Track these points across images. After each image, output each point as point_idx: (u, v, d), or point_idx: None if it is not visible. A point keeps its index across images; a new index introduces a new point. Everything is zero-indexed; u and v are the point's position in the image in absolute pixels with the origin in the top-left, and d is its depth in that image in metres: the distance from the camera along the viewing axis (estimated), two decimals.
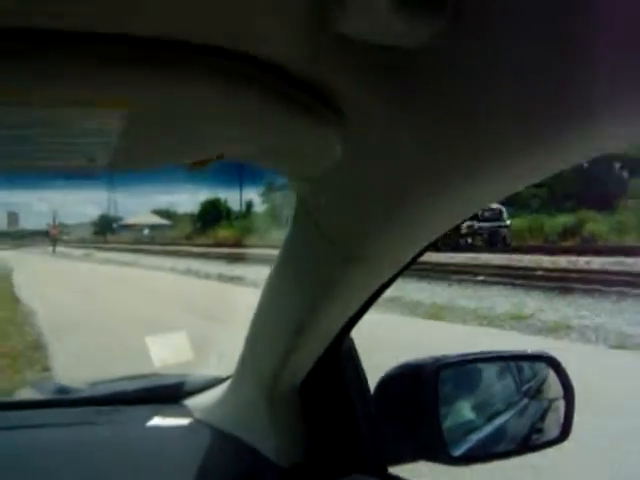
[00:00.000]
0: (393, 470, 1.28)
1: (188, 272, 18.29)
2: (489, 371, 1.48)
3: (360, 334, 1.28)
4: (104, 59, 0.58)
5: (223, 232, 32.30)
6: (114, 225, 52.40)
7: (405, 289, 11.52)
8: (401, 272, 1.04)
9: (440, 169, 0.72)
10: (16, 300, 13.06)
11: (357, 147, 0.76)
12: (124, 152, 0.74)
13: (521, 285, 12.26)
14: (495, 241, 20.50)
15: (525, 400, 1.50)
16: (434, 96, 0.63)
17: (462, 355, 1.39)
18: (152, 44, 0.58)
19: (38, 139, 0.67)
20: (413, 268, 1.08)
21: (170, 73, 0.61)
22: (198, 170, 0.84)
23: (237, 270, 16.79)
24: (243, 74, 0.64)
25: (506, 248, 18.67)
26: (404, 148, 0.71)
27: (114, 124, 0.65)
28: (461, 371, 1.39)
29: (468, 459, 1.31)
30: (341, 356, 1.26)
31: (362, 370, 1.30)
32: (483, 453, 1.37)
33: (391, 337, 7.23)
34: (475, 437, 1.36)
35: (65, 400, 1.77)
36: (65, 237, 45.28)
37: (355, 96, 0.69)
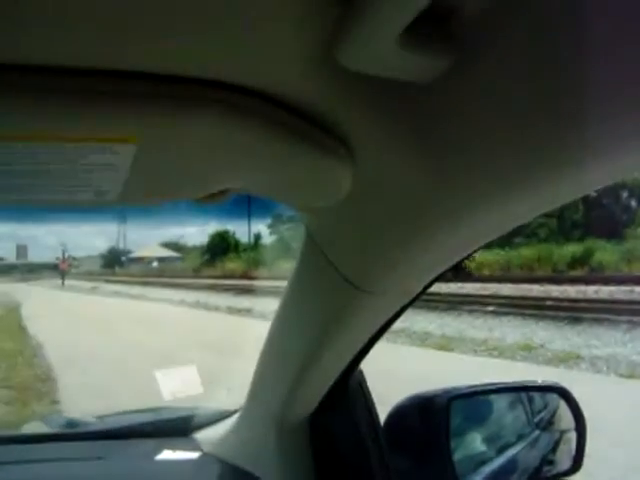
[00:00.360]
0: None
1: (197, 305, 18.28)
2: (500, 402, 1.47)
3: (369, 366, 1.27)
4: (112, 95, 0.58)
5: (231, 264, 32.33)
6: (123, 258, 52.48)
7: (414, 320, 11.49)
8: (410, 303, 1.04)
9: (448, 202, 0.72)
10: (25, 332, 13.08)
11: (365, 179, 0.76)
12: (133, 187, 0.74)
13: (531, 315, 12.21)
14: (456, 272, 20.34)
15: (536, 432, 1.49)
16: (440, 130, 0.64)
17: (473, 386, 1.38)
18: (160, 80, 0.59)
19: (47, 174, 0.68)
20: (422, 298, 1.07)
21: (178, 108, 0.61)
22: (208, 204, 0.85)
23: (245, 302, 16.78)
24: (251, 108, 0.65)
25: (468, 277, 19.14)
26: (411, 181, 0.72)
27: (123, 159, 0.66)
28: (472, 402, 1.38)
29: None
30: (350, 388, 1.25)
31: (372, 402, 1.29)
32: None
33: (400, 369, 7.19)
34: (486, 469, 1.35)
35: (73, 434, 1.76)
36: (74, 270, 45.37)
37: (362, 129, 0.70)
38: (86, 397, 6.59)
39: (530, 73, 0.53)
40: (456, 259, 0.90)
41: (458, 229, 0.77)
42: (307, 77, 0.62)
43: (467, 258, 0.92)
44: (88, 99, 0.58)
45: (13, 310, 18.47)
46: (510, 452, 1.43)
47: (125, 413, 2.02)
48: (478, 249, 0.90)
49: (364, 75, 0.57)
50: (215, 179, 0.78)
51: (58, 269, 39.36)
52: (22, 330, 13.56)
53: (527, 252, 21.87)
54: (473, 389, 1.38)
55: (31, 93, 0.56)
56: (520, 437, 1.48)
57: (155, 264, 46.74)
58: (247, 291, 19.92)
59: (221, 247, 36.31)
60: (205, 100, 0.62)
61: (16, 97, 0.56)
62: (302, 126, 0.69)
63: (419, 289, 0.99)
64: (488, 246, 0.90)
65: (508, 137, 0.59)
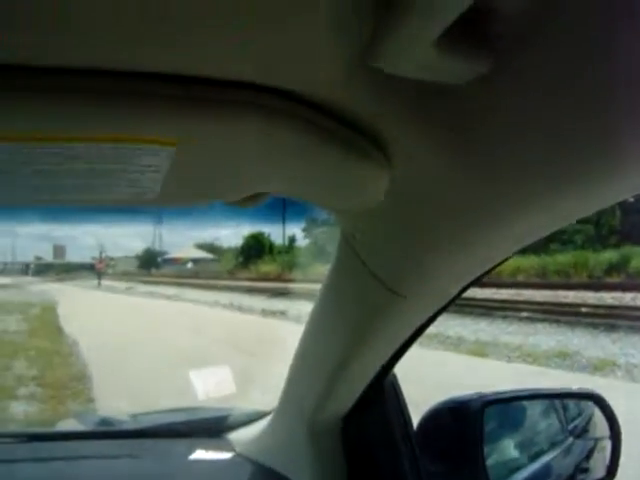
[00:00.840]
0: None
1: (231, 306, 18.32)
2: (534, 409, 1.46)
3: (400, 370, 1.27)
4: (154, 98, 0.59)
5: (266, 266, 32.34)
6: (158, 259, 52.74)
7: (447, 324, 11.42)
8: (445, 308, 1.04)
9: (485, 205, 0.72)
10: (61, 332, 13.21)
11: (401, 183, 0.76)
12: (171, 188, 0.75)
13: (566, 322, 12.07)
14: None
15: (570, 439, 1.48)
16: (476, 133, 0.64)
17: (507, 392, 1.37)
18: (201, 83, 0.60)
19: (89, 174, 0.69)
20: (456, 303, 1.07)
21: (218, 112, 0.62)
22: (246, 207, 0.85)
23: (279, 305, 16.79)
24: (289, 112, 0.65)
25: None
26: (447, 184, 0.72)
27: (163, 161, 0.67)
28: (506, 408, 1.37)
29: None
30: (384, 391, 1.25)
31: (405, 405, 1.29)
32: None
33: (432, 374, 7.16)
34: (519, 476, 1.34)
35: (108, 432, 1.78)
36: (110, 270, 45.71)
37: (398, 132, 0.70)
38: (121, 396, 6.64)
39: (569, 75, 0.53)
40: (492, 264, 0.90)
41: (495, 233, 0.76)
42: (344, 80, 0.62)
43: (503, 263, 0.92)
44: (131, 101, 0.59)
45: (50, 309, 18.66)
46: (543, 459, 1.42)
47: (159, 412, 2.04)
48: (513, 254, 0.89)
49: (401, 78, 0.57)
50: (252, 182, 0.78)
51: (95, 269, 39.66)
52: (58, 329, 13.70)
53: (563, 258, 21.63)
54: (507, 395, 1.37)
55: (74, 94, 0.57)
56: (554, 444, 1.47)
57: (190, 265, 46.92)
58: (281, 294, 19.91)
59: (255, 249, 36.32)
60: (244, 104, 0.63)
61: (60, 98, 0.57)
62: (339, 129, 0.70)
63: (454, 293, 0.99)
64: (523, 252, 0.90)
65: (546, 140, 0.59)
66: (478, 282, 0.99)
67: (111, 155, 0.65)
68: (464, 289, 1.00)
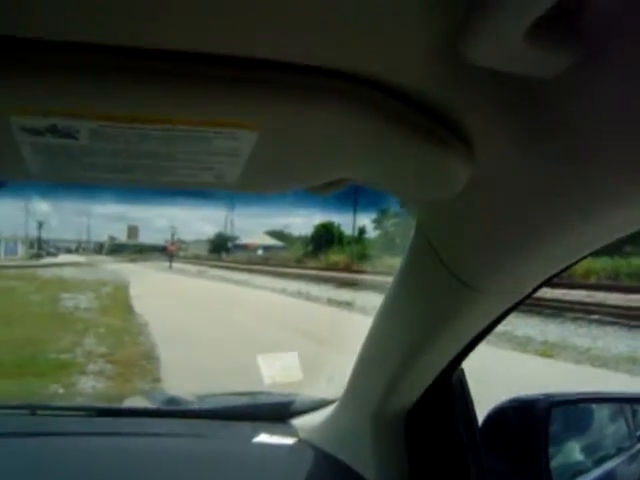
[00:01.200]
0: None
1: (298, 294, 18.38)
2: (601, 412, 1.44)
3: (466, 367, 1.27)
4: (238, 82, 0.60)
5: (334, 256, 32.35)
6: (229, 244, 53.24)
7: (516, 323, 11.27)
8: (518, 305, 1.03)
9: (564, 202, 0.71)
10: (132, 311, 13.45)
11: (481, 176, 0.76)
12: (250, 174, 0.76)
13: (637, 327, 11.78)
14: None
15: (638, 445, 1.46)
16: (562, 127, 0.63)
17: (575, 394, 1.36)
18: (282, 68, 0.60)
19: (171, 156, 0.70)
20: (525, 303, 1.06)
21: (300, 98, 0.63)
22: (323, 194, 0.86)
23: (346, 295, 16.78)
24: (371, 99, 0.65)
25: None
26: (529, 179, 0.71)
27: (244, 146, 0.68)
28: (573, 410, 1.35)
29: None
30: (451, 387, 1.25)
31: (471, 401, 1.28)
32: None
33: (498, 373, 7.07)
34: (583, 479, 1.32)
35: (175, 411, 1.81)
36: (181, 253, 46.33)
37: (482, 124, 0.69)
38: (188, 377, 6.74)
39: None
40: (567, 263, 0.89)
41: (572, 231, 0.76)
42: (429, 70, 0.62)
43: (577, 263, 0.91)
44: (214, 85, 0.60)
45: (121, 288, 19.02)
46: (609, 464, 1.40)
47: (225, 395, 2.06)
48: (588, 255, 0.88)
49: (487, 69, 0.56)
50: (331, 169, 0.79)
51: (166, 251, 40.21)
52: (129, 308, 13.96)
53: (637, 261, 21.13)
54: (575, 396, 1.36)
55: (160, 77, 0.58)
56: (620, 450, 1.44)
57: (260, 252, 47.23)
58: (348, 284, 19.88)
59: (325, 239, 36.35)
60: (327, 90, 0.63)
61: (145, 81, 0.58)
62: (420, 119, 0.69)
63: (528, 291, 0.98)
64: (596, 253, 0.88)
65: (629, 135, 0.59)
66: (550, 281, 0.98)
67: (191, 138, 0.66)
68: (538, 287, 0.99)
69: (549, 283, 0.99)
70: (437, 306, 1.01)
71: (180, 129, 0.64)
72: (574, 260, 0.89)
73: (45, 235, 45.26)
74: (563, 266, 0.90)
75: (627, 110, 0.57)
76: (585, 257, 0.89)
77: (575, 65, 0.54)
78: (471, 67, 0.57)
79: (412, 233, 0.99)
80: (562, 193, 0.70)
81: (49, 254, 44.33)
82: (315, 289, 19.41)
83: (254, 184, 0.84)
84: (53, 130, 0.63)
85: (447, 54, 0.57)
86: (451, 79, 0.63)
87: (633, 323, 12.01)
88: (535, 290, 1.00)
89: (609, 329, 11.90)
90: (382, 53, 0.59)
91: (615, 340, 10.90)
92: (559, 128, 0.63)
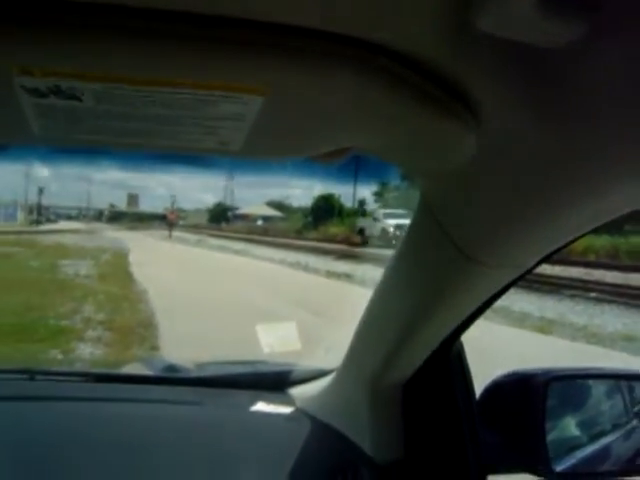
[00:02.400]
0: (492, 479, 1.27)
1: (297, 265, 18.41)
2: (598, 388, 1.45)
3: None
4: (245, 45, 0.59)
5: (334, 228, 32.37)
6: (229, 214, 53.33)
7: (514, 299, 11.30)
8: (519, 279, 1.03)
9: (568, 176, 0.71)
10: (131, 279, 13.50)
11: (487, 147, 0.75)
12: (256, 140, 0.76)
13: (635, 305, 11.81)
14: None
15: (634, 422, 1.46)
16: (571, 99, 0.62)
17: (573, 369, 1.36)
18: (293, 32, 0.59)
19: (175, 120, 0.70)
20: (524, 279, 1.06)
21: (309, 63, 0.62)
22: (327, 163, 0.85)
23: (344, 267, 16.81)
24: (379, 67, 0.64)
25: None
26: (535, 151, 0.71)
27: (250, 110, 0.67)
28: (570, 385, 1.36)
29: (570, 476, 1.29)
30: (449, 359, 1.25)
31: (469, 374, 1.29)
32: (586, 471, 1.34)
33: (494, 347, 7.10)
34: (579, 454, 1.33)
35: (172, 378, 1.81)
36: (181, 222, 46.37)
37: (489, 94, 0.68)
38: (186, 345, 6.76)
39: None
40: (570, 237, 0.89)
41: (577, 205, 0.75)
42: (439, 38, 0.61)
43: (580, 238, 0.91)
44: (221, 47, 0.59)
45: (121, 256, 19.08)
46: (604, 440, 1.41)
47: (223, 363, 2.07)
48: (591, 231, 0.88)
49: (497, 38, 0.56)
50: (337, 136, 0.78)
51: (166, 220, 40.20)
52: (129, 276, 14.00)
53: (636, 240, 21.14)
54: (573, 372, 1.36)
55: (166, 39, 0.58)
56: (616, 426, 1.45)
57: (260, 222, 47.30)
58: (347, 256, 19.92)
59: (325, 210, 36.36)
60: (337, 56, 0.62)
61: (152, 42, 0.58)
62: (429, 87, 0.68)
63: (531, 264, 0.98)
64: (595, 231, 0.88)
65: (632, 111, 0.58)
66: (552, 257, 0.98)
67: (197, 102, 0.65)
68: (540, 262, 0.99)
69: (549, 259, 0.99)
70: (439, 279, 1.01)
71: (186, 92, 0.63)
72: (578, 235, 0.89)
73: (45, 201, 45.32)
74: (566, 241, 0.90)
75: (628, 87, 0.56)
76: (588, 233, 0.89)
77: (587, 35, 0.53)
78: (481, 36, 0.56)
79: (416, 205, 0.99)
80: (569, 166, 0.69)
81: (49, 220, 44.44)
82: (314, 260, 19.44)
83: (258, 150, 0.84)
84: (57, 91, 0.63)
85: (458, 22, 0.56)
86: (461, 48, 0.62)
87: (631, 302, 12.05)
88: (537, 265, 0.99)
89: (607, 307, 11.94)
90: (394, 20, 0.58)
91: (612, 318, 10.93)
92: (568, 99, 0.62)
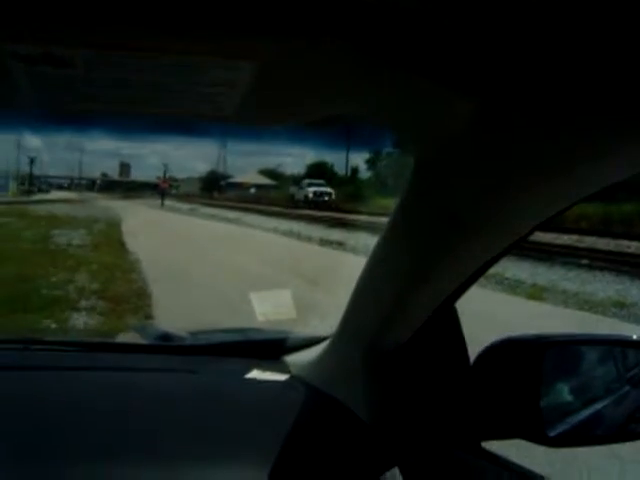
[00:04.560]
0: (486, 445, 1.28)
1: (290, 233, 18.42)
2: (591, 354, 1.45)
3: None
4: (237, 10, 0.58)
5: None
6: (222, 182, 53.24)
7: (506, 266, 11.33)
8: (514, 246, 1.02)
9: (568, 141, 0.70)
10: (124, 248, 13.48)
11: (484, 113, 0.75)
12: (249, 106, 0.75)
13: (627, 272, 11.87)
14: (322, 206, 29.01)
15: (627, 387, 1.47)
16: (569, 68, 0.61)
17: (567, 335, 1.37)
18: None
19: (168, 86, 0.69)
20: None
21: (300, 28, 0.61)
22: (322, 129, 0.85)
23: (337, 235, 16.82)
24: (372, 31, 0.64)
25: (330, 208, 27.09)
26: (532, 117, 0.70)
27: (243, 76, 0.66)
28: (564, 351, 1.36)
29: (564, 441, 1.29)
30: (444, 325, 1.25)
31: (463, 341, 1.29)
32: (579, 437, 1.35)
33: (487, 314, 7.13)
34: (572, 420, 1.33)
35: (166, 346, 1.81)
36: (174, 191, 46.28)
37: (489, 63, 0.67)
38: (179, 313, 6.78)
39: None
40: (564, 205, 0.89)
41: (575, 171, 0.75)
42: (439, 5, 0.60)
43: (576, 204, 0.90)
44: (212, 13, 0.58)
45: (114, 225, 19.07)
46: (597, 405, 1.41)
47: (217, 331, 2.07)
48: (585, 199, 0.87)
49: (501, 2, 0.55)
50: (331, 102, 0.77)
51: (158, 189, 40.14)
52: (121, 245, 13.99)
53: (629, 207, 21.19)
54: (567, 338, 1.37)
55: (155, 5, 0.57)
56: (609, 391, 1.45)
57: (253, 191, 47.25)
58: (340, 224, 19.92)
59: (318, 178, 36.42)
60: (328, 21, 0.61)
61: (144, 7, 0.57)
62: (425, 52, 0.67)
63: (526, 231, 0.98)
64: (589, 198, 0.87)
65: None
66: (547, 224, 0.97)
67: (190, 68, 0.65)
68: (534, 228, 0.98)
69: (544, 226, 0.99)
70: (432, 244, 1.01)
71: (179, 58, 0.63)
72: (572, 202, 0.88)
73: (37, 171, 45.12)
74: (561, 207, 0.89)
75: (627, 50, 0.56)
76: (582, 200, 0.88)
77: None
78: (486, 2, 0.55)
79: (409, 172, 0.98)
80: (565, 132, 0.69)
81: (41, 191, 44.31)
82: (306, 228, 19.45)
83: (252, 117, 0.83)
84: (48, 58, 0.62)
85: None
86: (454, 9, 0.61)
87: (622, 269, 12.10)
88: (531, 232, 0.99)
89: (599, 274, 11.99)
90: None
91: (604, 285, 10.99)
92: (564, 65, 0.61)
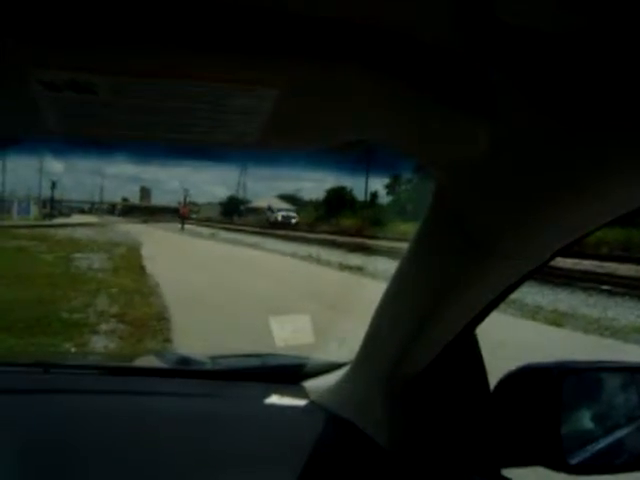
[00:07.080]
0: (506, 473, 1.27)
1: (309, 258, 18.39)
2: (612, 381, 1.44)
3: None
4: (259, 38, 0.59)
5: (346, 221, 32.45)
6: (241, 207, 53.59)
7: (527, 291, 11.25)
8: (535, 272, 1.02)
9: (585, 168, 0.70)
10: (144, 272, 13.52)
11: (504, 138, 0.75)
12: (270, 132, 0.76)
13: None
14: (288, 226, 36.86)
15: None
16: (587, 87, 0.61)
17: (588, 362, 1.36)
18: (306, 23, 0.59)
19: (190, 112, 0.70)
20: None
21: (322, 54, 0.62)
22: (337, 154, 0.86)
23: (357, 260, 16.78)
24: (391, 57, 0.64)
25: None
26: (553, 142, 0.70)
27: (264, 103, 0.67)
28: (584, 378, 1.35)
29: (584, 469, 1.28)
30: (464, 352, 1.25)
31: (483, 367, 1.29)
32: (600, 465, 1.34)
33: (508, 340, 7.08)
34: (593, 448, 1.32)
35: (185, 371, 1.81)
36: (194, 215, 46.61)
37: (507, 84, 0.68)
38: (198, 338, 6.77)
39: None
40: (586, 230, 0.88)
41: (594, 198, 0.75)
42: (455, 25, 0.60)
43: (596, 231, 0.90)
44: (236, 41, 0.59)
45: (134, 249, 19.12)
46: (619, 433, 1.40)
47: (237, 356, 2.07)
48: (607, 224, 0.87)
49: (514, 27, 0.55)
50: (351, 129, 0.78)
51: (178, 213, 40.65)
52: (141, 269, 14.03)
53: None
54: (587, 365, 1.36)
55: (181, 31, 0.58)
56: (630, 419, 1.44)
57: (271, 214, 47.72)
58: (360, 249, 19.88)
59: (336, 203, 36.57)
60: (350, 48, 0.62)
61: (166, 35, 0.58)
62: (443, 77, 0.68)
63: (546, 257, 0.97)
64: (609, 224, 0.87)
65: None
66: (568, 250, 0.97)
67: (211, 95, 0.66)
68: (555, 254, 0.98)
69: (566, 251, 0.99)
70: (452, 270, 1.00)
71: (200, 85, 0.64)
72: (593, 228, 0.88)
73: (58, 195, 45.55)
74: (582, 233, 0.89)
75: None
76: (604, 226, 0.88)
77: (591, 24, 0.53)
78: (498, 22, 0.55)
79: (430, 197, 0.98)
80: (582, 158, 0.69)
81: (62, 214, 44.65)
82: (325, 253, 19.42)
83: (272, 143, 0.84)
84: (72, 85, 0.63)
85: (476, 10, 0.56)
86: (475, 35, 0.61)
87: None
88: (552, 257, 0.99)
89: (619, 300, 11.88)
90: (409, 9, 0.58)
91: (625, 310, 10.88)
92: (582, 88, 0.61)
